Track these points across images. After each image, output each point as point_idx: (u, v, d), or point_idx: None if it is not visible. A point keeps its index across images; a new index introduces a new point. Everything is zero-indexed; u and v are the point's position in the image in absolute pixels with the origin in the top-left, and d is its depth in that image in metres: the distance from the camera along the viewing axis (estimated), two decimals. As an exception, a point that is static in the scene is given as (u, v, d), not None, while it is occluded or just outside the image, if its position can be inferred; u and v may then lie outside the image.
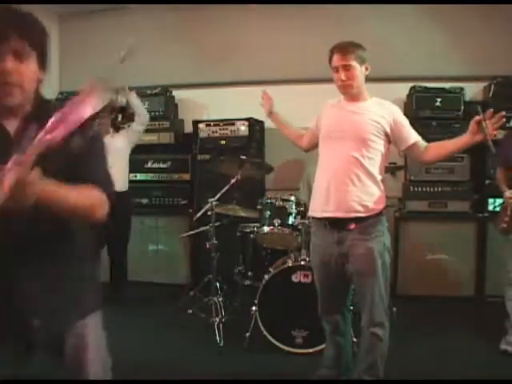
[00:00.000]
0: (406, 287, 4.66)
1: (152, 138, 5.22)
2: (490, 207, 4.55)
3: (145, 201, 5.24)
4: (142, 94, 5.26)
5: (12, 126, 1.45)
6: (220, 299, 3.95)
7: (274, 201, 3.74)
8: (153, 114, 5.24)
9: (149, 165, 5.26)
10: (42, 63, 1.47)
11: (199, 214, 3.93)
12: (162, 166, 5.24)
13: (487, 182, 4.56)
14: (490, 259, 4.55)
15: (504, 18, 4.69)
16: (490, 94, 4.57)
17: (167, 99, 5.33)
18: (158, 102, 5.28)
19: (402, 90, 4.91)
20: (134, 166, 5.15)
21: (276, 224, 3.64)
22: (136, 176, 5.24)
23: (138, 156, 5.12)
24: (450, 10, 4.73)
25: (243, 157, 3.93)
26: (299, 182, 4.64)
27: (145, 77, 5.38)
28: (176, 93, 5.52)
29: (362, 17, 4.93)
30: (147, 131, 5.18)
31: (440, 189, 4.64)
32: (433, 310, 4.36)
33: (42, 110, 1.45)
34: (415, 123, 4.65)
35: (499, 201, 4.40)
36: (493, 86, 4.56)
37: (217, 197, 3.90)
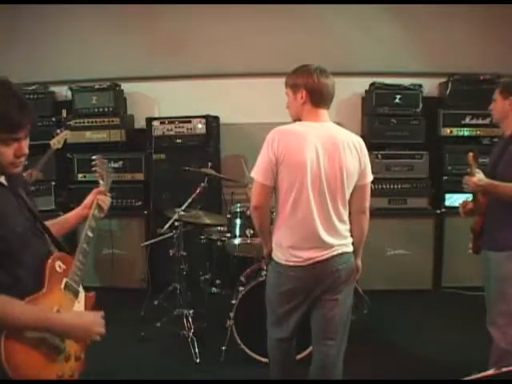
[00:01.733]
0: (367, 282, 4.71)
1: (102, 136, 4.94)
2: (447, 203, 4.68)
3: (96, 202, 4.95)
4: (90, 88, 4.96)
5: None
6: (191, 311, 3.80)
7: (244, 209, 3.62)
8: (101, 109, 4.96)
9: (99, 164, 4.95)
10: None
11: (167, 226, 3.74)
12: (113, 165, 4.92)
13: (445, 178, 4.67)
14: (447, 253, 4.69)
15: (463, 16, 4.77)
16: (448, 91, 4.64)
17: (116, 94, 5.02)
18: (107, 98, 4.96)
19: (361, 85, 4.90)
20: (83, 166, 4.88)
21: (248, 234, 3.53)
22: (85, 176, 4.94)
23: (87, 155, 4.82)
24: (409, 8, 4.73)
25: (206, 170, 3.86)
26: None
27: (90, 69, 5.08)
28: (124, 86, 5.22)
29: (322, 13, 4.86)
30: (96, 128, 4.91)
31: (400, 186, 4.70)
32: (394, 303, 4.46)
33: None
34: (374, 120, 4.75)
35: (456, 196, 4.54)
36: (450, 84, 4.63)
37: (184, 206, 3.74)
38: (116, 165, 4.93)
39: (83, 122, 4.93)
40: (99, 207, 2.08)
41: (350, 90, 4.96)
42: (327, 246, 2.38)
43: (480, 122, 4.59)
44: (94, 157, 2.24)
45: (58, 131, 4.24)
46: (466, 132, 4.67)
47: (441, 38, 4.77)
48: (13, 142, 1.57)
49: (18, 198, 1.70)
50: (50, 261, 1.67)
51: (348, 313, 2.53)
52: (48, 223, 1.86)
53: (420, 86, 4.72)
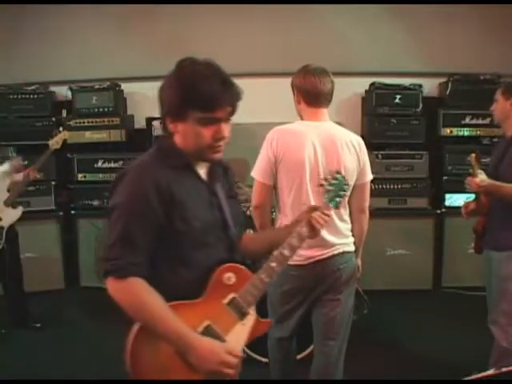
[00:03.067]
0: (367, 282, 4.71)
1: (102, 136, 4.92)
2: (447, 203, 4.68)
3: (96, 202, 4.95)
4: (90, 88, 4.96)
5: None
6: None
7: (244, 209, 3.62)
8: (101, 109, 4.95)
9: (99, 164, 4.94)
10: None
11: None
12: (113, 165, 4.94)
13: (445, 178, 4.67)
14: (447, 253, 4.69)
15: (463, 16, 4.77)
16: (448, 91, 4.64)
17: (116, 94, 5.01)
18: (107, 98, 4.96)
19: (361, 85, 4.90)
20: (83, 165, 4.89)
21: (249, 234, 3.52)
22: (85, 176, 4.95)
23: (87, 155, 4.84)
24: (409, 8, 4.73)
25: None
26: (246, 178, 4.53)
27: (90, 69, 5.07)
28: (124, 86, 5.21)
29: (322, 13, 4.86)
30: (96, 128, 4.90)
31: (400, 186, 4.70)
32: (394, 303, 4.46)
33: None
34: (374, 120, 4.76)
35: (456, 196, 4.55)
36: (450, 84, 4.63)
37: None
38: (116, 165, 4.94)
39: (83, 122, 4.91)
40: (311, 226, 1.70)
41: (350, 90, 4.95)
42: (328, 244, 2.38)
43: (480, 121, 4.59)
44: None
45: (57, 132, 4.24)
46: (466, 132, 4.67)
47: (441, 38, 4.76)
48: (211, 123, 1.49)
49: (212, 195, 1.62)
50: (219, 269, 1.53)
51: (349, 313, 2.53)
52: (250, 235, 1.84)
53: (420, 86, 4.72)
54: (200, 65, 1.52)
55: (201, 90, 1.45)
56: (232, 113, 1.52)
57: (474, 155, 2.82)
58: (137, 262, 1.47)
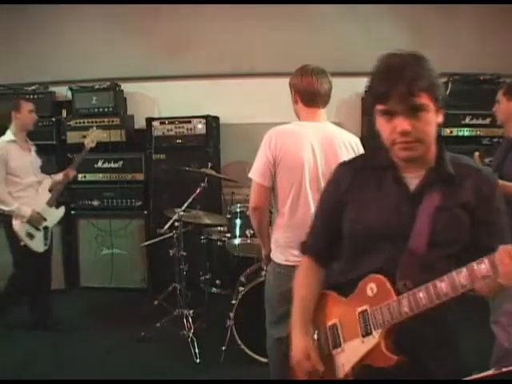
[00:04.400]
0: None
1: (102, 136, 4.89)
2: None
3: (96, 203, 4.96)
4: (90, 88, 4.96)
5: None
6: (191, 311, 3.81)
7: (244, 209, 3.62)
8: (101, 109, 4.96)
9: (99, 164, 4.96)
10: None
11: (167, 226, 3.74)
12: (113, 165, 4.95)
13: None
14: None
15: (463, 16, 4.76)
16: (448, 91, 4.63)
17: (116, 94, 5.01)
18: (107, 98, 4.96)
19: (361, 85, 4.86)
20: (83, 166, 4.85)
21: (248, 235, 3.53)
22: (85, 176, 4.96)
23: (87, 155, 4.81)
24: (409, 7, 4.73)
25: (206, 170, 3.90)
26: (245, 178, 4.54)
27: (90, 69, 5.08)
28: (124, 86, 5.21)
29: (322, 13, 4.86)
30: (96, 128, 4.88)
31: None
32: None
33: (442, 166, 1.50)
34: (374, 120, 4.73)
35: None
36: (450, 84, 4.62)
37: (184, 207, 3.74)
38: (116, 165, 4.95)
39: (83, 122, 4.92)
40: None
41: (350, 90, 4.94)
42: None
43: (480, 122, 4.58)
44: None
45: (90, 131, 4.32)
46: (466, 132, 4.66)
47: (441, 38, 4.75)
48: (388, 116, 1.42)
49: (409, 202, 1.47)
50: (367, 277, 1.47)
51: None
52: None
53: (420, 85, 4.71)
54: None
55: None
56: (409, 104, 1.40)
57: (477, 153, 2.83)
58: (312, 244, 1.74)
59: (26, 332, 3.94)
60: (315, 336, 1.60)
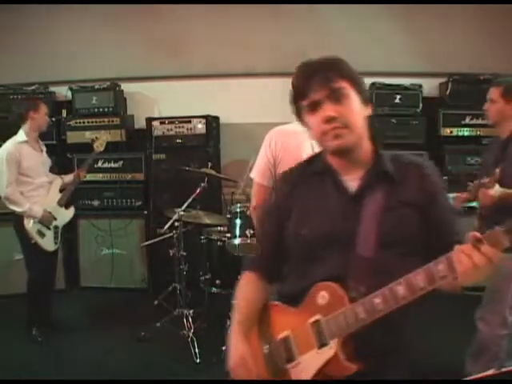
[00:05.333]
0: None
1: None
2: (447, 203, 4.67)
3: (96, 203, 4.97)
4: (90, 88, 4.96)
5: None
6: (191, 311, 3.81)
7: (244, 209, 3.61)
8: (101, 109, 4.96)
9: (99, 164, 4.95)
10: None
11: (167, 226, 3.74)
12: (113, 165, 4.96)
13: (444, 178, 4.65)
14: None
15: (463, 16, 4.76)
16: (448, 91, 4.63)
17: (116, 94, 5.01)
18: (107, 98, 4.96)
19: (360, 85, 4.89)
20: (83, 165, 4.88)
21: (248, 235, 3.52)
22: (85, 177, 4.90)
23: (87, 155, 4.82)
24: (409, 7, 4.73)
25: (206, 170, 3.92)
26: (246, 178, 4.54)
27: (90, 69, 5.08)
28: (124, 86, 5.21)
29: (322, 13, 4.86)
30: (96, 128, 4.90)
31: (400, 186, 4.68)
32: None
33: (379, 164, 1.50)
34: (374, 120, 4.73)
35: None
36: (450, 84, 4.62)
37: (184, 207, 3.74)
38: (116, 165, 4.96)
39: (83, 122, 4.93)
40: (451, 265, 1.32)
41: (350, 90, 4.94)
42: None
43: (480, 121, 4.57)
44: None
45: (99, 134, 4.43)
46: (466, 132, 4.66)
47: (441, 38, 4.75)
48: (313, 110, 1.44)
49: (352, 205, 1.43)
50: (317, 285, 1.41)
51: None
52: None
53: (420, 86, 4.71)
54: None
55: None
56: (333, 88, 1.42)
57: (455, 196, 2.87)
58: (256, 259, 1.71)
59: (26, 332, 3.93)
60: (266, 350, 1.51)
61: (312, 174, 1.56)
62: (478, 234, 1.20)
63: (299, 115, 1.53)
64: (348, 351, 1.37)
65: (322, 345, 1.38)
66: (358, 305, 1.32)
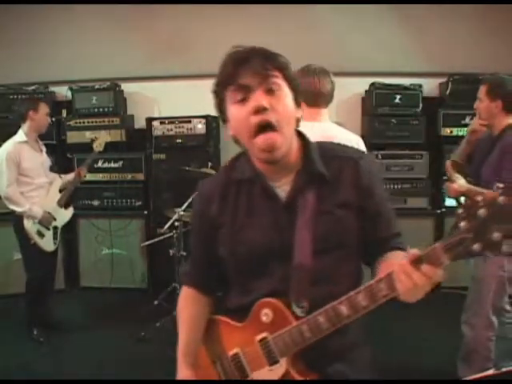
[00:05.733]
0: (366, 282, 4.72)
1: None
2: (447, 203, 4.67)
3: (96, 202, 4.97)
4: (90, 88, 4.96)
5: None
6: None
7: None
8: (101, 109, 4.96)
9: (99, 164, 4.95)
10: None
11: (167, 226, 3.74)
12: (113, 165, 4.95)
13: (445, 178, 4.65)
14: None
15: (463, 16, 4.76)
16: (448, 91, 4.63)
17: (116, 94, 5.02)
18: (107, 98, 4.96)
19: (361, 85, 4.90)
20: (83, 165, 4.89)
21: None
22: (85, 177, 4.91)
23: (87, 155, 4.83)
24: (409, 7, 4.73)
25: (206, 170, 3.98)
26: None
27: (90, 69, 5.07)
28: (124, 86, 5.21)
29: (322, 13, 4.86)
30: (96, 128, 4.90)
31: (400, 186, 4.70)
32: (393, 303, 4.45)
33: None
34: (374, 120, 4.76)
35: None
36: (450, 84, 4.62)
37: (184, 207, 3.74)
38: (116, 165, 4.96)
39: (83, 122, 4.93)
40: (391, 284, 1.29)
41: (349, 90, 4.95)
42: None
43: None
44: None
45: (97, 135, 4.46)
46: (465, 132, 4.64)
47: (441, 38, 4.75)
48: (241, 99, 1.29)
49: (284, 214, 1.35)
50: (259, 302, 1.35)
51: None
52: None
53: (420, 86, 4.72)
54: None
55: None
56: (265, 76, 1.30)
57: (449, 162, 2.84)
58: (191, 273, 1.57)
59: (26, 332, 3.93)
60: (219, 368, 1.47)
61: (238, 181, 1.41)
62: (417, 253, 1.14)
63: (220, 108, 1.36)
64: (299, 365, 1.34)
65: (274, 362, 1.34)
66: (303, 324, 1.28)
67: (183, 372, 1.48)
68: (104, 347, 3.73)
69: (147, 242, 4.32)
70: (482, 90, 2.81)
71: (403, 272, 1.15)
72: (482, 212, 1.05)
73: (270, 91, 1.28)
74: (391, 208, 1.41)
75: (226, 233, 1.40)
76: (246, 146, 1.34)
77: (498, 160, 2.67)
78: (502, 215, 1.03)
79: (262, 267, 1.36)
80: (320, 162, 1.36)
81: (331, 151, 1.41)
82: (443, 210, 4.67)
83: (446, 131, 4.69)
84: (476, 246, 1.06)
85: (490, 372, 1.63)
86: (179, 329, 1.53)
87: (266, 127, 1.26)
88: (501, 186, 1.06)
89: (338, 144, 1.48)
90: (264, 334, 1.34)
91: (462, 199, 2.76)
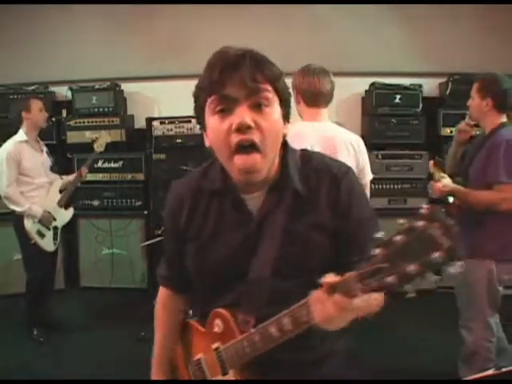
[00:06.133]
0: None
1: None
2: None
3: (96, 202, 4.97)
4: (90, 88, 4.97)
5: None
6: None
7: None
8: (101, 109, 4.97)
9: (99, 164, 4.94)
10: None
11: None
12: (113, 165, 4.95)
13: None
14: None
15: (463, 16, 4.77)
16: (448, 91, 4.63)
17: (116, 94, 5.02)
18: (107, 98, 4.96)
19: (361, 85, 4.90)
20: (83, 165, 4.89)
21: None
22: (85, 176, 4.93)
23: (87, 155, 4.84)
24: (409, 7, 4.73)
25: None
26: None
27: (90, 69, 5.07)
28: (124, 86, 5.21)
29: (322, 13, 4.86)
30: (96, 128, 4.89)
31: (399, 186, 4.70)
32: (393, 303, 4.45)
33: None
34: (374, 120, 4.76)
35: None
36: (450, 84, 4.62)
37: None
38: (116, 165, 4.96)
39: (83, 122, 4.93)
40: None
41: (349, 90, 4.95)
42: None
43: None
44: None
45: (98, 136, 4.47)
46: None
47: (441, 38, 4.75)
48: (223, 111, 1.17)
49: (250, 230, 1.28)
50: (213, 311, 1.35)
51: None
52: None
53: (420, 86, 4.72)
54: None
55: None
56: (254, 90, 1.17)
57: (432, 162, 2.84)
58: (166, 274, 1.59)
59: (24, 332, 3.93)
60: (190, 370, 1.49)
61: (209, 192, 1.34)
62: (331, 281, 1.05)
63: (198, 114, 1.25)
64: (245, 377, 1.34)
65: (224, 373, 1.35)
66: (244, 339, 1.26)
67: (156, 375, 1.55)
68: (104, 347, 3.73)
69: (147, 242, 4.32)
70: (474, 88, 2.83)
71: (318, 300, 1.08)
72: (398, 239, 0.92)
73: (257, 106, 1.16)
74: (371, 228, 1.18)
75: (192, 248, 1.36)
76: (222, 162, 1.24)
77: (484, 159, 2.66)
78: (421, 243, 0.89)
79: (226, 282, 1.33)
80: (297, 177, 1.27)
81: (314, 164, 1.31)
82: (443, 210, 4.65)
83: (446, 131, 4.69)
84: (391, 279, 0.93)
85: (490, 372, 1.62)
86: (155, 336, 1.56)
87: (247, 147, 1.15)
88: (425, 207, 0.93)
89: (325, 157, 1.37)
90: (217, 344, 1.34)
91: (451, 199, 2.74)
